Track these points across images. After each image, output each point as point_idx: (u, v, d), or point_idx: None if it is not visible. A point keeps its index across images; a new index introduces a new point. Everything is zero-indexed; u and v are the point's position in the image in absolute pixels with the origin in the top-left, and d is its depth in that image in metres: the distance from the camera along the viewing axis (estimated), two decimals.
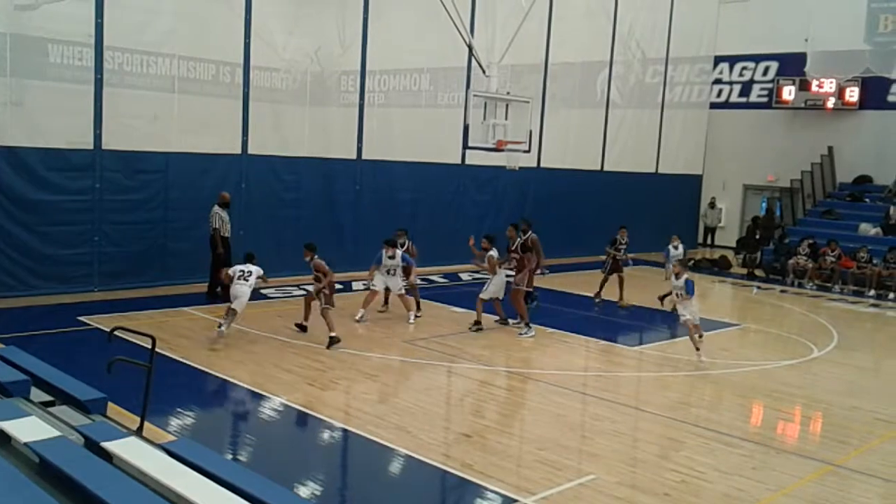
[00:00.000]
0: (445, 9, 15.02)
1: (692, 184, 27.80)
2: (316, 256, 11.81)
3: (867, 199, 24.01)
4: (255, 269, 11.71)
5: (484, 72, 15.97)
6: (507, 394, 10.05)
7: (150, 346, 6.34)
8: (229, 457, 7.30)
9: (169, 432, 7.58)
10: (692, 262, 22.98)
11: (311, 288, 12.41)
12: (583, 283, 18.61)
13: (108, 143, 13.67)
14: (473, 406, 9.49)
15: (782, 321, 16.21)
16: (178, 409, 8.40)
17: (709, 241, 27.50)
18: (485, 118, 15.18)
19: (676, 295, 12.06)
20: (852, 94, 24.79)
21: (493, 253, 13.16)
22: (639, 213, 23.17)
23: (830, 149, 25.18)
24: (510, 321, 13.36)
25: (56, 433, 4.71)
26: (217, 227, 13.96)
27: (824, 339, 14.05)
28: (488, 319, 13.33)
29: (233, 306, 11.31)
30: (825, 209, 24.06)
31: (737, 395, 10.41)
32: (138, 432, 5.68)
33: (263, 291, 15.01)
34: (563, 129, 21.77)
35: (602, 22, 22.86)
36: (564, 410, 9.31)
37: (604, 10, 22.82)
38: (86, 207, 13.55)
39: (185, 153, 14.80)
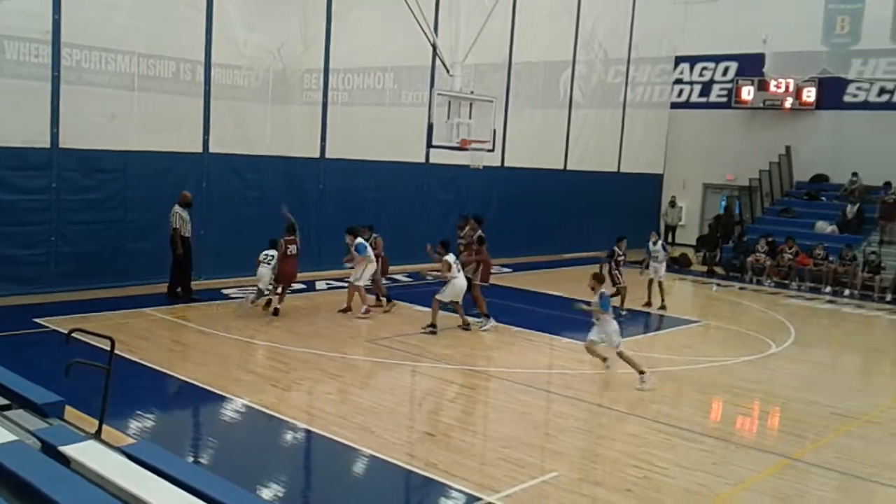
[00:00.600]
0: (409, 7, 15.02)
1: (653, 183, 28.11)
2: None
3: (823, 198, 24.50)
4: (273, 253, 13.52)
5: (448, 71, 16.00)
6: (471, 392, 10.08)
7: (108, 348, 6.25)
8: (190, 459, 7.22)
9: (128, 435, 7.47)
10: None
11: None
12: (547, 282, 18.75)
13: (66, 141, 13.42)
14: (437, 405, 9.50)
15: (741, 318, 16.47)
16: (138, 412, 8.29)
17: (669, 240, 27.79)
18: (449, 117, 15.21)
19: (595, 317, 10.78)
20: (809, 94, 25.25)
21: (450, 258, 12.95)
22: (601, 212, 23.41)
23: (788, 148, 25.63)
24: (472, 322, 13.37)
25: (12, 437, 4.62)
26: (177, 226, 13.78)
27: (782, 335, 14.30)
28: (447, 321, 13.26)
29: (259, 286, 13.43)
30: (783, 207, 24.50)
31: (697, 391, 10.55)
32: (97, 436, 5.59)
33: (225, 291, 14.88)
34: (526, 128, 21.86)
35: (565, 22, 23.00)
36: (528, 408, 9.36)
37: (566, 11, 22.95)
38: (42, 207, 13.30)
39: (145, 152, 14.59)
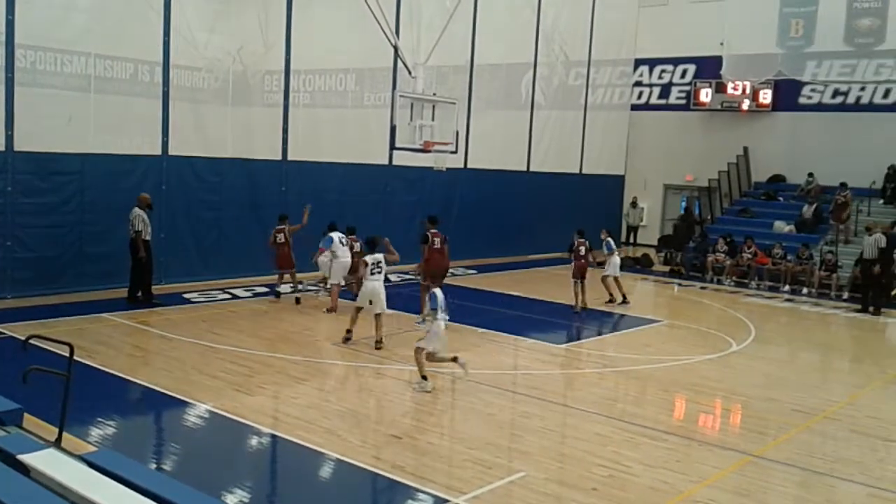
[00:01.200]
0: (370, 9, 14.98)
1: (615, 184, 28.40)
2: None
3: (781, 198, 24.95)
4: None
5: (410, 73, 15.99)
6: (436, 394, 10.06)
7: (67, 355, 6.14)
8: (153, 467, 7.10)
9: (89, 443, 7.33)
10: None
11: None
12: (510, 283, 18.82)
13: (21, 144, 13.15)
14: (403, 407, 9.47)
15: (702, 317, 16.68)
16: (99, 419, 8.14)
17: (631, 240, 28.12)
18: (412, 119, 15.21)
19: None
20: (766, 96, 25.71)
21: (368, 258, 12.00)
22: (564, 213, 23.56)
23: (746, 149, 26.07)
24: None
25: None
26: (140, 229, 13.55)
27: (742, 333, 14.52)
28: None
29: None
30: (741, 208, 24.89)
31: (660, 389, 10.66)
32: (56, 443, 5.50)
33: (186, 295, 14.70)
34: (489, 130, 21.93)
35: (526, 24, 23.14)
36: (494, 409, 9.37)
37: (527, 12, 23.09)
38: None
39: (103, 154, 14.36)
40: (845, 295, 19.36)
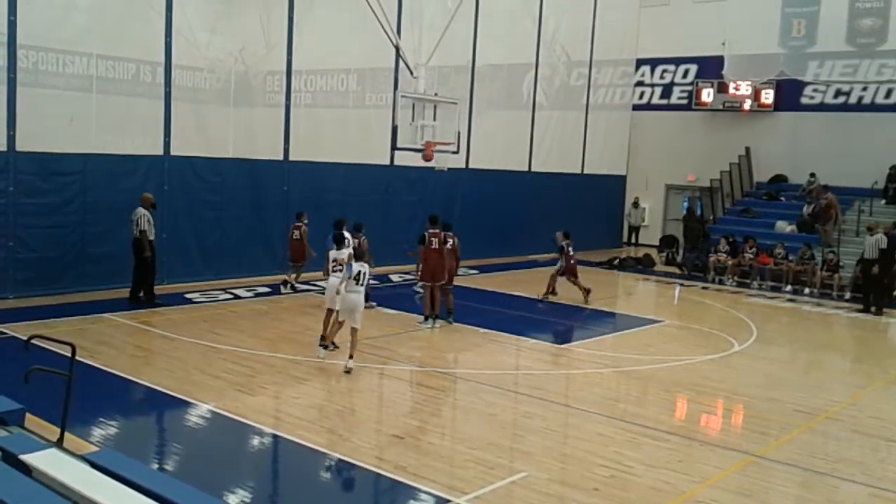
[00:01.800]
0: (372, 9, 14.98)
1: (616, 184, 28.38)
2: None
3: (783, 198, 24.92)
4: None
5: (411, 73, 15.98)
6: (439, 394, 10.06)
7: (69, 354, 6.14)
8: (155, 467, 7.11)
9: (91, 443, 7.34)
10: (618, 260, 23.49)
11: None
12: (512, 283, 18.81)
13: (23, 144, 13.17)
14: (405, 407, 9.47)
15: (704, 317, 16.67)
16: (101, 419, 8.15)
17: (633, 240, 28.11)
18: (413, 119, 15.20)
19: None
20: (767, 96, 25.68)
21: (336, 253, 11.65)
22: (566, 214, 23.50)
23: (747, 149, 26.04)
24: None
25: None
26: (145, 229, 13.53)
27: (744, 333, 14.50)
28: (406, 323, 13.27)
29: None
30: (743, 208, 24.87)
31: (662, 390, 10.65)
32: (58, 443, 5.50)
33: (188, 295, 14.70)
34: (490, 130, 21.93)
35: (527, 24, 23.13)
36: (496, 409, 9.37)
37: (529, 13, 23.09)
38: None
39: (105, 154, 14.38)
40: (847, 295, 19.34)
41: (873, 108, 23.91)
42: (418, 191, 20.17)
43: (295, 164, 17.17)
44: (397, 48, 16.86)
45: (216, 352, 11.08)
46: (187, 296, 14.70)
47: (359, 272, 10.60)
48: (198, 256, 15.70)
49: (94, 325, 12.17)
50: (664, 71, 28.21)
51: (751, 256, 21.07)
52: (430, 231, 13.54)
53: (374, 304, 14.31)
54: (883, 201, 22.61)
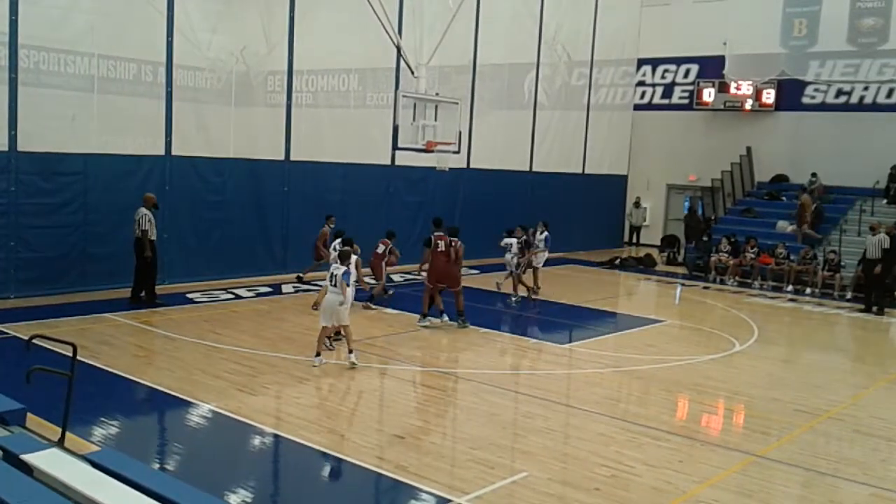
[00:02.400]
0: (373, 9, 14.98)
1: (617, 184, 28.37)
2: None
3: (784, 198, 24.89)
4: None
5: (413, 73, 15.99)
6: (439, 394, 10.06)
7: (70, 354, 6.14)
8: (156, 466, 7.12)
9: (92, 442, 7.34)
10: (619, 260, 23.48)
11: None
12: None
13: (24, 144, 13.17)
14: (406, 407, 9.47)
15: (705, 317, 16.66)
16: (102, 419, 8.15)
17: (634, 240, 28.10)
18: (414, 119, 15.20)
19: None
20: (769, 95, 25.68)
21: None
22: (567, 214, 23.55)
23: (749, 149, 26.03)
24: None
25: None
26: (146, 229, 13.54)
27: (745, 333, 14.50)
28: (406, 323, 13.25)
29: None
30: (744, 207, 24.85)
31: (663, 389, 10.64)
32: (60, 443, 5.49)
33: (189, 295, 14.71)
34: (492, 130, 21.93)
35: (528, 24, 23.13)
36: (497, 409, 9.37)
37: (530, 13, 23.08)
38: (1, 211, 13.04)
39: (106, 154, 14.39)
40: (849, 295, 19.32)
41: (874, 107, 23.90)
42: (420, 191, 20.18)
43: (296, 164, 17.17)
44: (398, 48, 16.86)
45: (217, 351, 11.09)
46: (188, 295, 14.71)
47: (332, 274, 10.64)
48: (199, 256, 15.71)
49: (95, 324, 12.17)
50: (665, 71, 28.21)
51: (752, 256, 21.06)
52: (436, 234, 13.54)
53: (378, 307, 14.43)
54: (884, 201, 22.59)
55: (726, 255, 21.55)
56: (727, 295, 19.32)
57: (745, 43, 24.35)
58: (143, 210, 13.57)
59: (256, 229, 16.64)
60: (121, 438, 7.95)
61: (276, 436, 8.16)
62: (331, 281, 10.65)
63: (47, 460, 4.44)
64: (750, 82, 25.65)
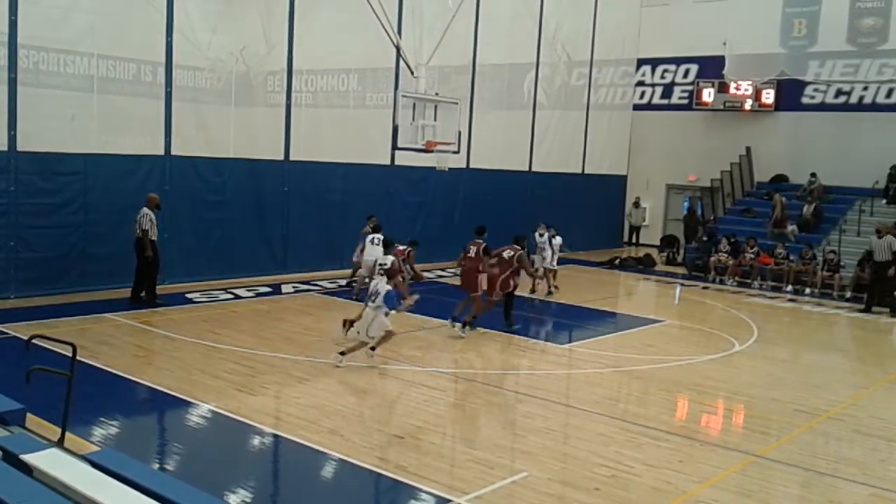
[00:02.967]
0: (372, 9, 14.98)
1: (617, 184, 28.37)
2: None
3: (783, 198, 24.85)
4: None
5: (412, 73, 15.99)
6: (439, 394, 10.06)
7: (70, 354, 6.14)
8: (156, 466, 7.12)
9: (92, 442, 7.34)
10: (619, 260, 23.49)
11: None
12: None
13: (24, 144, 13.17)
14: (406, 407, 9.47)
15: (705, 317, 16.67)
16: (102, 419, 8.15)
17: (634, 240, 28.11)
18: (414, 119, 15.21)
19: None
20: (768, 95, 25.68)
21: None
22: (566, 213, 23.52)
23: (748, 149, 26.03)
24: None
25: None
26: (147, 228, 13.54)
27: (745, 333, 14.50)
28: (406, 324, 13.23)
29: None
30: (744, 207, 24.85)
31: (662, 389, 10.65)
32: (59, 443, 5.50)
33: (189, 295, 14.71)
34: (491, 130, 21.91)
35: (528, 24, 23.12)
36: (497, 409, 9.37)
37: (529, 13, 23.07)
38: (0, 211, 13.04)
39: (106, 154, 14.38)
40: (848, 295, 19.33)
41: (874, 107, 23.89)
42: (420, 191, 20.17)
43: (295, 163, 17.17)
44: (398, 48, 16.86)
45: (217, 351, 11.09)
46: (188, 295, 14.71)
47: (375, 292, 10.83)
48: (198, 256, 15.70)
49: (95, 324, 12.17)
50: (665, 71, 28.21)
51: (752, 256, 21.06)
52: (474, 241, 13.57)
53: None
54: (883, 201, 22.59)
55: (726, 255, 21.56)
56: (726, 295, 19.33)
57: (745, 43, 24.34)
58: (145, 210, 13.57)
59: (256, 229, 16.64)
60: (120, 438, 7.95)
61: (275, 436, 8.16)
62: (372, 299, 10.74)
63: (47, 460, 4.44)
64: (749, 82, 25.66)
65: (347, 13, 17.15)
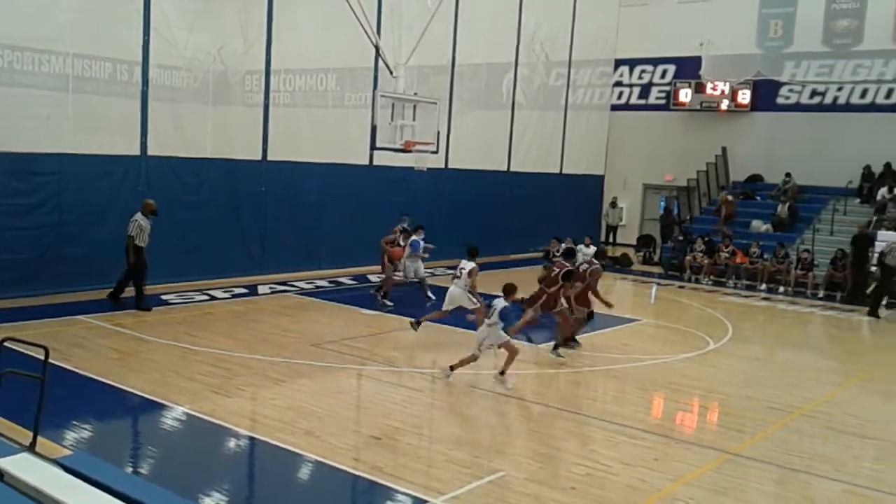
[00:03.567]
0: (351, 8, 14.95)
1: (594, 184, 28.49)
2: None
3: (758, 197, 25.15)
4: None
5: (391, 72, 15.98)
6: (417, 395, 10.07)
7: (42, 357, 6.08)
8: (129, 470, 7.06)
9: (64, 446, 7.27)
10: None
11: None
12: (492, 283, 18.77)
13: None
14: (383, 408, 9.46)
15: (681, 316, 16.79)
16: (74, 422, 8.08)
17: (611, 240, 28.25)
18: (392, 119, 15.20)
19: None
20: (744, 96, 25.93)
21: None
22: (545, 213, 23.64)
23: (724, 149, 26.26)
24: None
25: None
26: (133, 235, 13.35)
27: (720, 332, 14.63)
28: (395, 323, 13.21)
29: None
30: (718, 208, 25.04)
31: (638, 388, 10.72)
32: (31, 448, 5.45)
33: (164, 297, 14.60)
34: (470, 130, 21.93)
35: (507, 24, 23.16)
36: (474, 409, 9.40)
37: (508, 13, 23.12)
38: None
39: (81, 154, 14.20)
40: (821, 293, 19.55)
41: (848, 108, 24.19)
42: (400, 191, 20.12)
43: (273, 164, 17.08)
44: (377, 47, 16.84)
45: (192, 353, 11.02)
46: (163, 297, 14.60)
47: (491, 306, 10.54)
48: (174, 257, 15.55)
49: (68, 327, 12.05)
50: (642, 71, 28.39)
51: (727, 256, 21.25)
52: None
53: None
54: (857, 200, 22.89)
55: (701, 254, 21.73)
56: (702, 294, 19.49)
57: (722, 44, 24.56)
58: (138, 216, 13.39)
59: (233, 230, 16.53)
60: (93, 442, 7.88)
61: (251, 438, 8.13)
62: (489, 315, 10.44)
63: (18, 465, 4.40)
64: (726, 83, 25.88)
65: (326, 12, 17.08)
